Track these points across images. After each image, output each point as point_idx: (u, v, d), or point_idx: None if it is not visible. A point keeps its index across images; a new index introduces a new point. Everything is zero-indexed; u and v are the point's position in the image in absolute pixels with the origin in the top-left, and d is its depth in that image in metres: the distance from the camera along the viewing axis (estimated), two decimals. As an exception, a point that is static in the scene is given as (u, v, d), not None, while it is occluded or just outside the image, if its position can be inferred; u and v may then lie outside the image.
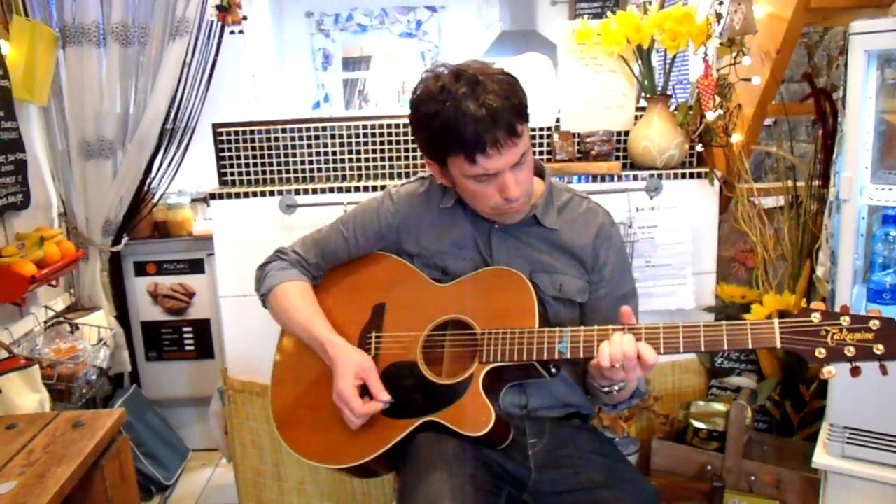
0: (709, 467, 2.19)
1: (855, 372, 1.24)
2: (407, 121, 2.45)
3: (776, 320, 1.29)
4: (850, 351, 1.24)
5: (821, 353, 1.25)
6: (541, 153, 2.51)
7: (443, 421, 1.50)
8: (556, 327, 1.49)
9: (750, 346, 1.31)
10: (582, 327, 1.46)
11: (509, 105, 1.44)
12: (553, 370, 1.52)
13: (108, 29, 2.69)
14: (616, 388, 1.50)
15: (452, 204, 1.68)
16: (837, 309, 1.28)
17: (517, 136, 1.46)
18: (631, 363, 1.36)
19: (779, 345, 1.28)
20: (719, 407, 2.31)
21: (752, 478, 2.14)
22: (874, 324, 1.23)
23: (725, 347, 1.33)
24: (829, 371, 1.25)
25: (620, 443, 2.30)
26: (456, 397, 1.51)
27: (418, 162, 2.53)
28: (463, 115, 1.41)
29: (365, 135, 2.52)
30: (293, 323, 1.72)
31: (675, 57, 2.32)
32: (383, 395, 1.56)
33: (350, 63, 6.33)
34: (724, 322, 1.34)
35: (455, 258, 1.67)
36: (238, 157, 2.52)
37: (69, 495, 1.66)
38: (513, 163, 1.48)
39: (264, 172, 2.54)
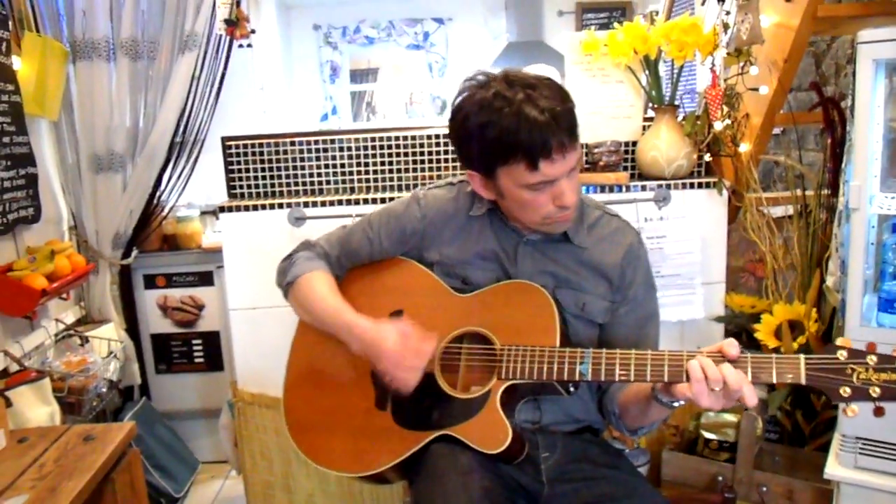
0: (720, 478, 2.18)
1: (878, 412, 1.22)
2: (414, 133, 2.52)
3: (802, 356, 1.26)
4: (875, 391, 1.21)
5: (846, 392, 1.22)
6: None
7: (459, 436, 1.48)
8: (577, 347, 1.46)
9: (774, 381, 1.28)
10: (604, 350, 1.43)
11: (568, 108, 1.42)
12: (571, 389, 1.50)
13: (117, 44, 2.72)
14: (677, 404, 1.41)
15: (484, 213, 1.64)
16: (861, 346, 1.25)
17: (577, 140, 1.44)
18: (735, 394, 1.28)
19: (804, 382, 1.25)
20: (730, 417, 2.30)
21: (764, 489, 2.13)
22: None
23: (749, 380, 1.28)
24: (852, 410, 1.23)
25: (631, 454, 2.29)
26: (473, 412, 1.49)
27: (427, 174, 2.53)
28: (525, 121, 1.38)
29: (373, 147, 2.52)
30: (319, 309, 1.67)
31: (682, 67, 2.32)
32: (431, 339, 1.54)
33: (358, 75, 6.37)
34: (748, 354, 1.30)
35: (477, 269, 1.64)
36: (247, 170, 2.53)
37: (80, 509, 1.66)
38: (570, 169, 1.45)
39: (273, 185, 2.55)
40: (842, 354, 1.25)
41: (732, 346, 1.30)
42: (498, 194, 1.54)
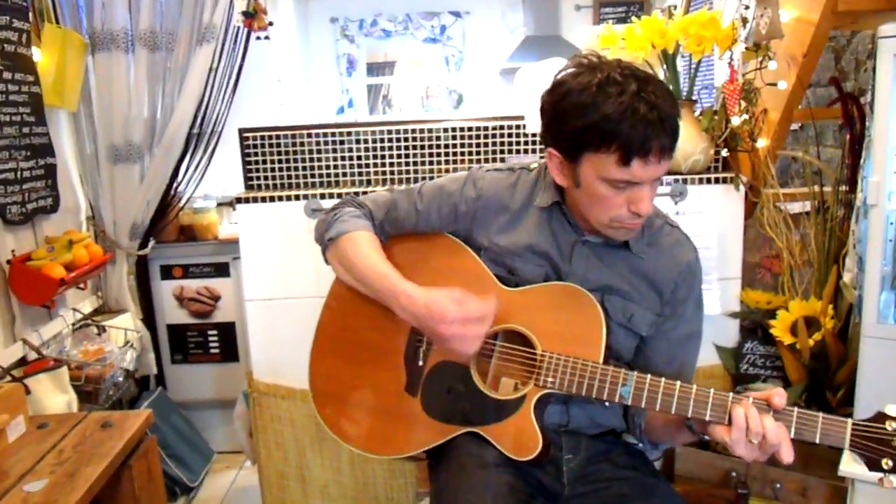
0: (733, 474, 2.17)
1: None
2: (431, 126, 2.52)
3: (850, 421, 1.23)
4: None
5: (888, 464, 1.20)
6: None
7: (489, 437, 1.46)
8: (615, 361, 1.43)
9: (817, 441, 1.24)
10: (648, 376, 1.38)
11: (675, 115, 1.35)
12: (606, 403, 1.45)
13: (136, 35, 2.73)
14: (706, 438, 1.40)
15: (547, 205, 1.56)
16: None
17: (674, 151, 1.37)
18: (770, 448, 1.25)
19: (847, 446, 1.22)
20: (744, 413, 2.29)
21: (778, 485, 2.12)
22: None
23: (791, 436, 1.26)
24: (890, 482, 1.21)
25: (645, 449, 2.28)
26: (505, 415, 1.46)
27: (443, 167, 2.53)
28: (633, 113, 1.30)
29: (390, 140, 2.53)
30: (364, 269, 1.58)
31: (700, 62, 2.31)
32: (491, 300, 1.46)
33: (374, 68, 6.37)
34: (794, 409, 1.26)
35: (526, 262, 1.56)
36: (264, 162, 2.54)
37: (98, 494, 1.69)
38: (659, 176, 1.39)
39: (290, 177, 2.56)
40: (890, 425, 1.21)
41: (780, 397, 1.26)
42: (574, 182, 1.45)
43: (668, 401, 1.35)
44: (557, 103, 1.41)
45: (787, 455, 1.23)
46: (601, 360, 1.43)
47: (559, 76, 1.43)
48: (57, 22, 2.63)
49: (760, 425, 1.23)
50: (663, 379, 1.37)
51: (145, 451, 1.97)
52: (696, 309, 1.61)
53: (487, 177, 1.63)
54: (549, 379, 1.44)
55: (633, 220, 1.43)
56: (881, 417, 1.21)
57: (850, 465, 1.89)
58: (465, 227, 1.63)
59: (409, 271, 1.59)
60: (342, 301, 1.71)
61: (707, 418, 1.31)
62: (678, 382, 1.35)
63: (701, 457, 2.24)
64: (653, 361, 1.57)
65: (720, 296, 2.38)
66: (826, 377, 2.23)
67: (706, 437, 1.36)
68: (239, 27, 2.82)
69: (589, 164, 1.39)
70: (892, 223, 1.85)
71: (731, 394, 1.30)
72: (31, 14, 2.42)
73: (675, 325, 1.59)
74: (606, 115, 1.31)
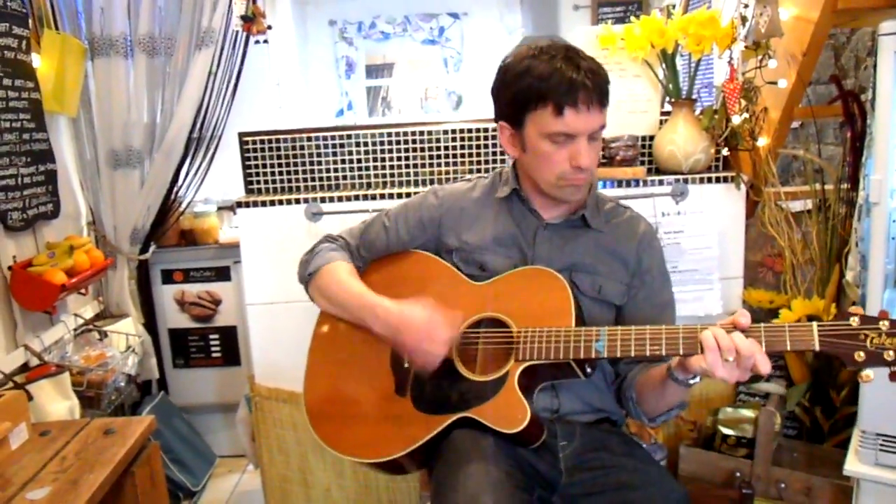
0: (737, 474, 2.17)
1: (894, 376, 1.24)
2: (430, 128, 2.52)
3: (815, 323, 1.28)
4: (889, 355, 1.23)
5: (860, 356, 1.24)
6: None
7: (478, 417, 1.49)
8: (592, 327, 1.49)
9: (788, 348, 1.30)
10: (619, 327, 1.45)
11: (602, 76, 1.53)
12: (588, 370, 1.52)
13: (135, 40, 2.74)
14: (693, 381, 1.44)
15: (507, 194, 1.69)
16: (875, 314, 1.26)
17: (604, 105, 1.54)
18: (747, 362, 1.30)
19: (817, 347, 1.27)
20: (748, 413, 2.29)
21: (782, 485, 2.12)
22: None
23: (763, 350, 1.31)
24: (867, 375, 1.24)
25: (648, 449, 2.27)
26: (491, 394, 1.51)
27: (442, 169, 2.53)
28: (561, 70, 1.48)
29: (390, 142, 2.52)
30: (341, 294, 1.71)
31: (699, 61, 2.31)
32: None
33: (373, 70, 6.36)
34: (761, 325, 1.32)
35: (495, 254, 1.68)
36: (264, 166, 2.54)
37: (101, 501, 1.68)
38: (593, 130, 1.53)
39: (290, 180, 2.56)
40: (854, 320, 1.26)
41: (744, 317, 1.33)
42: (521, 148, 1.61)
43: (641, 344, 1.41)
44: (501, 79, 1.60)
45: (764, 366, 1.29)
46: (573, 325, 1.50)
47: (503, 60, 1.61)
48: (56, 28, 2.63)
49: (731, 342, 1.30)
50: (633, 327, 1.44)
51: (148, 457, 1.97)
52: (663, 280, 1.73)
53: (447, 187, 1.81)
54: (527, 351, 1.51)
55: (577, 175, 1.56)
56: (845, 315, 1.27)
57: (856, 465, 1.89)
58: (434, 233, 1.77)
59: (387, 288, 1.70)
60: (328, 325, 1.81)
61: (681, 351, 1.38)
62: (647, 326, 1.42)
63: (705, 457, 2.23)
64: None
65: (722, 295, 2.37)
66: (830, 376, 2.23)
67: (692, 382, 1.43)
68: (237, 31, 2.81)
69: (531, 124, 1.55)
70: (894, 221, 1.84)
71: (699, 324, 1.36)
72: (30, 20, 2.42)
73: (647, 297, 1.69)
74: (539, 75, 1.50)
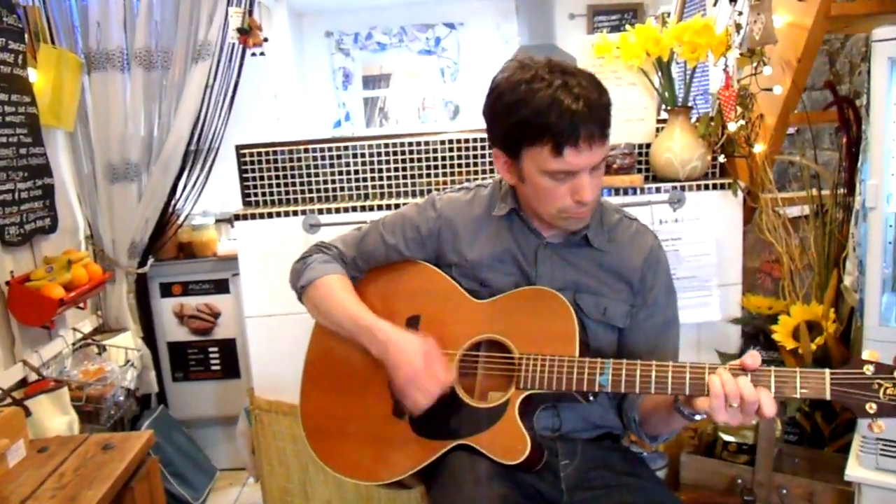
0: (739, 481, 2.16)
1: None
2: (428, 139, 2.52)
3: (828, 371, 1.24)
4: None
5: (872, 408, 1.20)
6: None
7: (477, 446, 1.47)
8: (596, 357, 1.44)
9: (797, 396, 1.25)
10: (624, 360, 1.40)
11: (603, 102, 1.42)
12: (591, 397, 1.48)
13: (131, 54, 2.74)
14: (698, 417, 1.40)
15: (506, 213, 1.62)
16: (890, 361, 1.22)
17: (606, 137, 1.44)
18: (750, 408, 1.27)
19: (829, 397, 1.23)
20: (748, 420, 2.28)
21: (784, 491, 2.11)
22: None
23: (773, 395, 1.27)
24: (879, 426, 1.20)
25: (649, 458, 2.28)
26: (491, 422, 1.47)
27: (440, 179, 2.53)
28: (559, 104, 1.37)
29: (387, 153, 2.53)
30: (336, 313, 1.65)
31: (695, 68, 2.31)
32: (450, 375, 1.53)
33: (370, 81, 6.39)
34: (772, 368, 1.28)
35: (495, 272, 1.61)
36: (261, 178, 2.54)
37: (100, 517, 1.67)
38: (594, 164, 1.44)
39: (287, 192, 2.56)
40: (868, 369, 1.22)
41: (753, 358, 1.28)
42: (519, 178, 1.52)
43: (646, 382, 1.37)
44: (493, 105, 1.49)
45: (769, 409, 1.25)
46: (577, 354, 1.46)
47: (494, 79, 1.50)
48: (52, 42, 2.64)
49: (736, 388, 1.26)
50: (639, 361, 1.39)
51: (147, 472, 1.96)
52: (667, 295, 1.65)
53: (445, 198, 1.72)
54: (529, 380, 1.47)
55: (580, 210, 1.48)
56: (859, 363, 1.23)
57: (857, 470, 1.88)
58: (433, 247, 1.70)
59: (386, 300, 1.69)
60: (323, 339, 1.76)
61: (687, 392, 1.34)
62: (654, 362, 1.38)
63: (706, 464, 2.23)
64: (634, 354, 1.57)
65: (720, 302, 2.37)
66: (829, 381, 2.22)
67: (696, 418, 1.38)
68: (234, 44, 2.82)
69: (528, 158, 1.45)
70: (891, 226, 1.84)
71: (707, 364, 1.33)
72: (26, 35, 2.42)
73: (649, 314, 1.62)
74: (535, 109, 1.38)
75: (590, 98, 1.38)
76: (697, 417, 1.38)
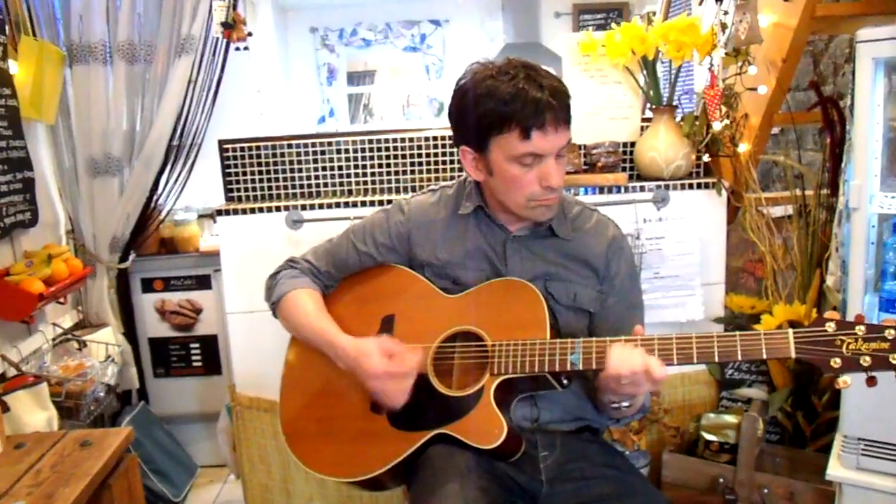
0: (721, 480, 2.17)
1: (871, 382, 1.24)
2: (412, 135, 2.51)
3: (790, 330, 1.28)
4: (865, 361, 1.23)
5: (836, 363, 1.25)
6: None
7: (454, 433, 1.49)
8: (567, 338, 1.48)
9: (764, 356, 1.31)
10: (594, 338, 1.45)
11: (564, 91, 1.50)
12: (565, 381, 1.52)
13: (114, 47, 2.71)
14: (625, 403, 1.50)
15: (471, 211, 1.67)
16: (851, 318, 1.26)
17: (569, 123, 1.51)
18: (638, 377, 1.35)
19: (793, 355, 1.27)
20: (730, 419, 2.29)
21: (765, 490, 2.12)
22: (890, 333, 1.23)
23: (739, 358, 1.33)
24: (844, 381, 1.25)
25: (631, 456, 2.28)
26: (467, 410, 1.50)
27: (424, 176, 2.53)
28: (525, 91, 1.45)
29: (371, 149, 2.52)
30: (304, 328, 1.71)
31: (680, 67, 2.32)
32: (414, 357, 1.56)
33: (355, 78, 6.37)
34: (737, 332, 1.33)
35: (466, 269, 1.66)
36: (244, 173, 2.53)
37: (77, 515, 1.65)
38: (559, 148, 1.51)
39: (270, 188, 2.54)
40: (830, 326, 1.27)
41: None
42: (487, 172, 1.57)
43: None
44: (460, 102, 1.57)
45: (658, 371, 1.34)
46: (548, 337, 1.50)
47: (460, 82, 1.58)
48: (34, 34, 2.60)
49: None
50: (609, 338, 1.44)
51: (125, 470, 1.94)
52: (632, 282, 1.72)
53: (412, 201, 1.77)
54: (503, 365, 1.50)
55: (548, 196, 1.54)
56: (820, 321, 1.28)
57: (838, 470, 1.90)
58: (405, 250, 1.74)
59: (360, 304, 1.74)
60: (301, 343, 1.78)
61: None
62: (623, 338, 1.43)
63: (688, 463, 2.24)
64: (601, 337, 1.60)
65: (704, 301, 2.38)
66: (811, 381, 2.24)
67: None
68: (218, 38, 2.79)
69: (496, 148, 1.52)
70: (873, 226, 1.86)
71: (674, 334, 1.39)
72: (7, 27, 2.39)
73: (616, 301, 1.68)
74: (502, 98, 1.47)
75: (553, 85, 1.48)
76: (615, 404, 1.51)
